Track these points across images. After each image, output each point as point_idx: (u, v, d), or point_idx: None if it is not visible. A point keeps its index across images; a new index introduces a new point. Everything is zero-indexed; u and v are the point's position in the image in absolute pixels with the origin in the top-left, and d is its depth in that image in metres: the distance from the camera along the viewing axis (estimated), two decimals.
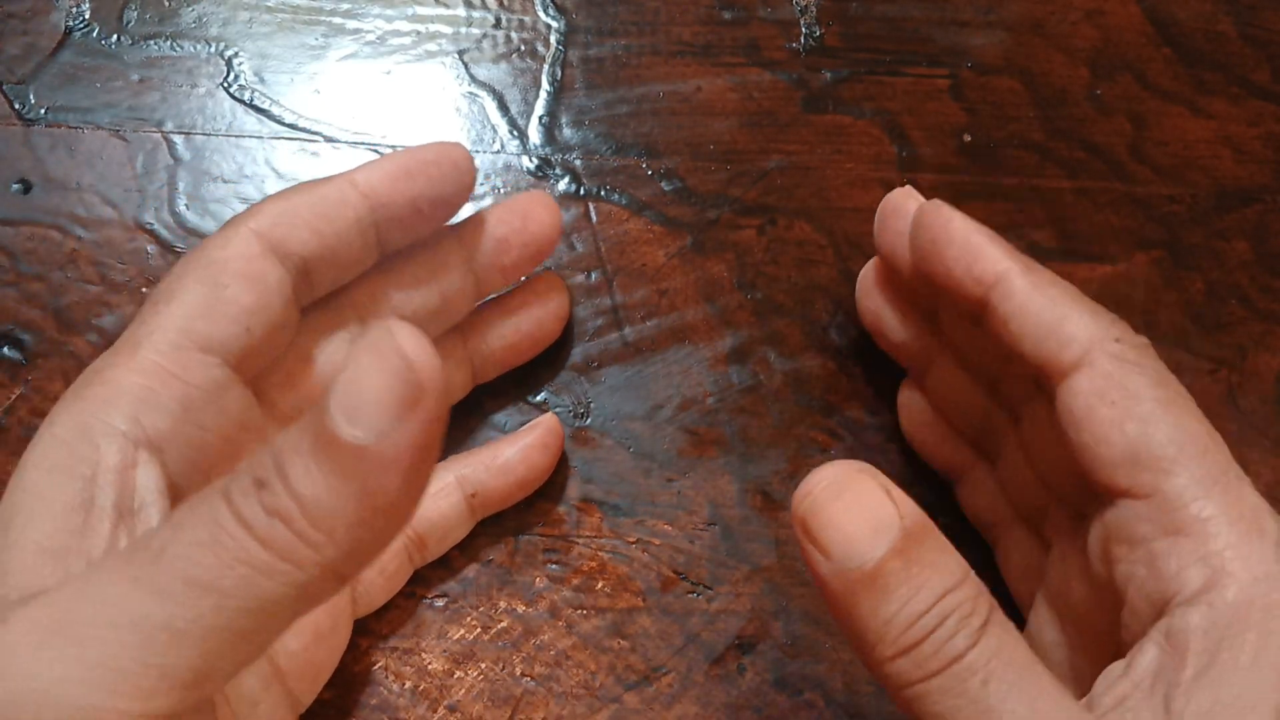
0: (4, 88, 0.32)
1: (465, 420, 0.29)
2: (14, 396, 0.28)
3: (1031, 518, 0.26)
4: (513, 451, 0.27)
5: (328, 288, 0.24)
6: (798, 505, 0.19)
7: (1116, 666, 0.20)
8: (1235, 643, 0.19)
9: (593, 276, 0.31)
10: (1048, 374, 0.22)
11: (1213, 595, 0.19)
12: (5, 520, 0.19)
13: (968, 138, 0.33)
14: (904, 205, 0.26)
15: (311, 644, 0.24)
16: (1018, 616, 0.26)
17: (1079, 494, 0.23)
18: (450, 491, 0.27)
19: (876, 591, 0.18)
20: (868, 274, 0.29)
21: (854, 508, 0.19)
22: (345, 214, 0.23)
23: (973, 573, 0.19)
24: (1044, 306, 0.22)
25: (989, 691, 0.18)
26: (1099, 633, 0.22)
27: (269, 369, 0.24)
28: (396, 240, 0.25)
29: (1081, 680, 0.21)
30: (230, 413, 0.22)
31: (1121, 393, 0.21)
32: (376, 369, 0.16)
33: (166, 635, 0.16)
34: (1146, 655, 0.19)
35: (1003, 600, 0.27)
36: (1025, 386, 0.25)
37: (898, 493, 0.19)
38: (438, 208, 0.25)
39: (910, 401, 0.29)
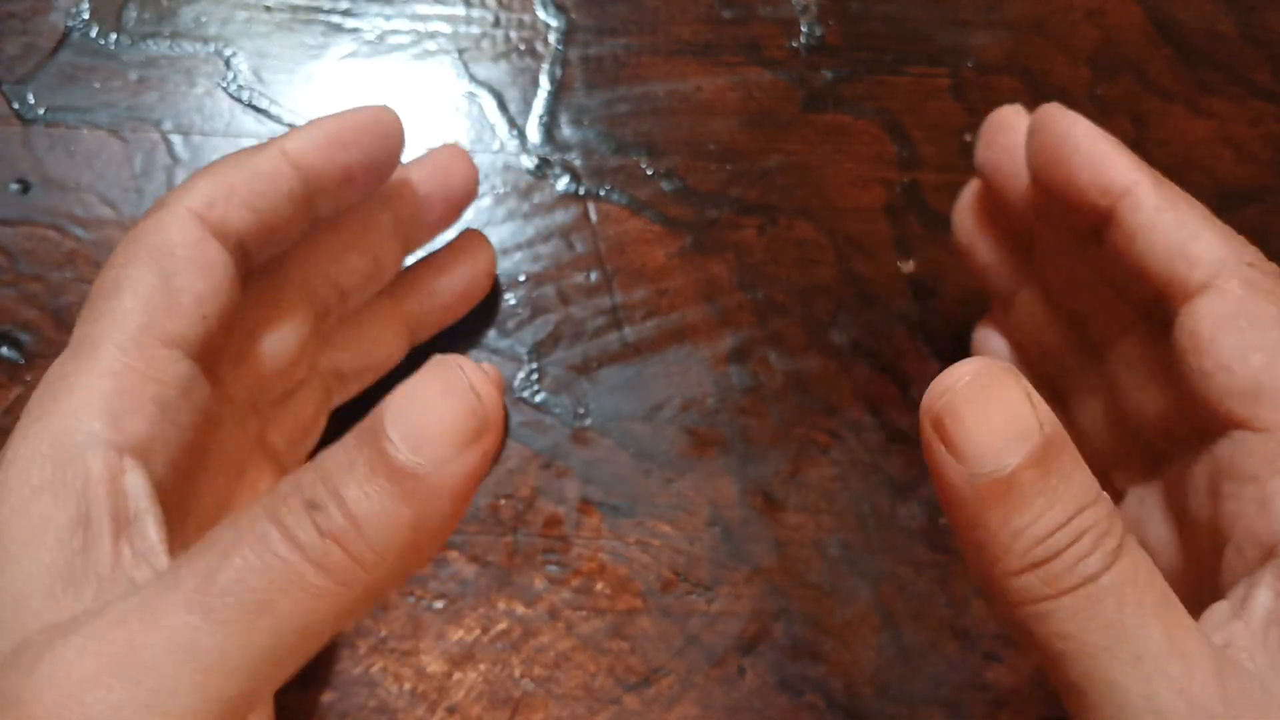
0: (3, 87, 0.32)
1: None
2: (12, 397, 0.28)
3: (1101, 466, 0.24)
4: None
5: (262, 260, 0.24)
6: (933, 402, 0.18)
7: (1220, 608, 0.19)
8: None
9: (592, 276, 0.30)
10: (1171, 295, 0.21)
11: None
12: (2, 545, 0.18)
13: (969, 137, 0.33)
14: (1013, 121, 0.25)
15: None
16: None
17: (1167, 435, 0.21)
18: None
19: (1010, 501, 0.17)
20: (967, 194, 0.27)
21: (993, 410, 0.17)
22: (280, 188, 0.23)
23: (1105, 494, 0.18)
24: (1174, 223, 0.21)
25: (1124, 615, 0.17)
26: (1178, 577, 0.21)
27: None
28: (328, 208, 0.24)
29: None
30: (199, 406, 0.21)
31: (1249, 319, 0.20)
32: (445, 402, 0.17)
33: (222, 662, 0.16)
34: (1259, 598, 0.18)
35: None
36: (1120, 320, 0.23)
37: (1038, 399, 0.17)
38: (371, 175, 0.24)
39: (985, 340, 0.28)
